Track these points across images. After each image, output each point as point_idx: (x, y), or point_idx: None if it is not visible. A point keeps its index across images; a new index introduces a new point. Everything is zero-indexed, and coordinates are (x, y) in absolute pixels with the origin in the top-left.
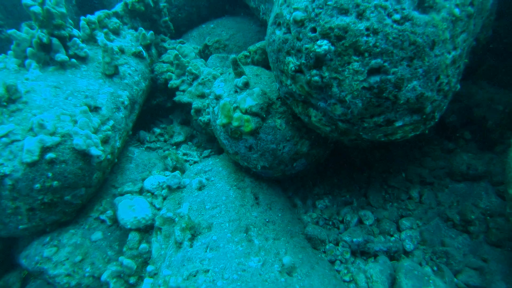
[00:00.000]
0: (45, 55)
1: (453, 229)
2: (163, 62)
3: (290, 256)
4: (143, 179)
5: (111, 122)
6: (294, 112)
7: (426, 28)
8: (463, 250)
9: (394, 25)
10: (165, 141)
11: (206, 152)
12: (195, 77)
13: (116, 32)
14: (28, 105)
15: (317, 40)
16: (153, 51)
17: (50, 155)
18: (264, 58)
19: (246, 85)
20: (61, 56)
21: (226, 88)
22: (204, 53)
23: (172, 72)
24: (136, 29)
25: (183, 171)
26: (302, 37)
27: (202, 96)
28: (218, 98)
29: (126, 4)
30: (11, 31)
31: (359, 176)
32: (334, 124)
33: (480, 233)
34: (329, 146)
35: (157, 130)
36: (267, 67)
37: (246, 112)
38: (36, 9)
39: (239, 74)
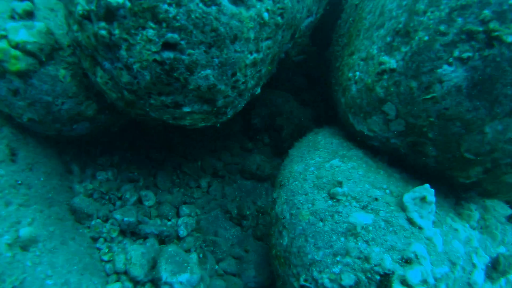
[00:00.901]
0: None
1: (229, 221)
2: None
3: (35, 228)
4: None
5: None
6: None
7: (232, 20)
8: (231, 241)
9: (200, 5)
10: None
11: None
12: None
13: None
14: None
15: None
16: None
17: None
18: None
19: (29, 14)
20: None
21: None
22: None
23: None
24: None
25: None
26: None
27: None
28: None
29: None
30: None
31: (155, 156)
32: (120, 92)
33: (250, 227)
34: (124, 116)
35: None
36: None
37: (17, 47)
38: None
39: None
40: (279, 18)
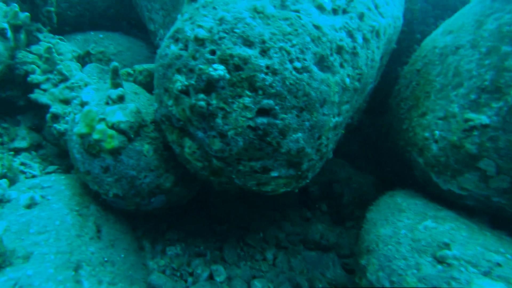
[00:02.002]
0: None
1: None
2: (31, 52)
3: None
4: None
5: None
6: (166, 141)
7: (321, 85)
8: None
9: (293, 72)
10: (2, 143)
11: (51, 168)
12: (64, 79)
13: None
14: None
15: (214, 63)
16: (22, 36)
17: None
18: (148, 81)
19: (120, 99)
20: None
21: (97, 97)
22: (83, 60)
23: (38, 66)
24: (7, 4)
25: (13, 183)
26: (199, 56)
27: (66, 102)
28: (83, 105)
29: None
30: None
31: (217, 228)
32: (208, 161)
33: None
34: (195, 189)
35: None
36: (149, 92)
37: (112, 127)
38: None
39: (116, 85)
40: (357, 83)
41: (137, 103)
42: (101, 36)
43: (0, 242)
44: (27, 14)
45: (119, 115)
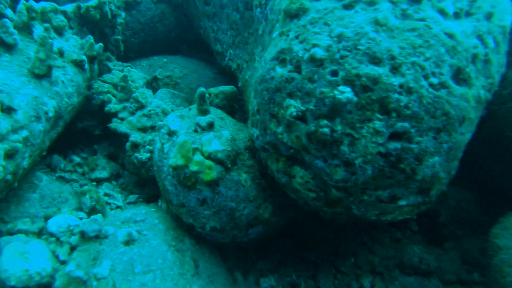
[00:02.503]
0: None
1: None
2: (105, 81)
3: None
4: (47, 218)
5: (25, 133)
6: (263, 169)
7: (460, 101)
8: None
9: (430, 89)
10: (83, 174)
11: (132, 198)
12: (141, 106)
13: (59, 32)
14: None
15: (338, 85)
16: (96, 66)
17: None
18: (225, 104)
19: (211, 126)
20: None
21: (184, 125)
22: (151, 86)
23: (114, 95)
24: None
25: (103, 216)
26: (318, 78)
27: (144, 130)
28: (172, 134)
29: (78, 7)
30: None
31: (307, 255)
32: (324, 191)
33: None
34: (288, 216)
35: (76, 159)
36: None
37: (209, 157)
38: None
39: (204, 112)
40: (488, 94)
41: (226, 129)
42: (165, 60)
43: (113, 286)
44: (100, 44)
45: (216, 144)
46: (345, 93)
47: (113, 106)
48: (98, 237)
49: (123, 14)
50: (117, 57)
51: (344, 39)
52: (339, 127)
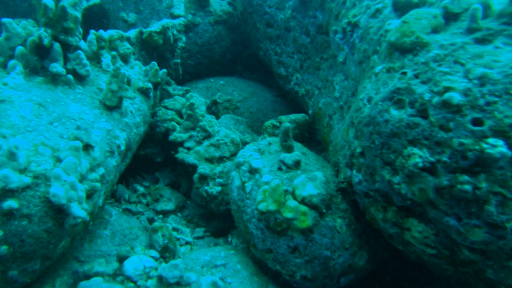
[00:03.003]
0: (37, 60)
1: None
2: (167, 108)
3: None
4: (120, 258)
5: (102, 170)
6: (357, 213)
7: None
8: None
9: None
10: (147, 204)
11: (199, 231)
12: (208, 135)
13: (125, 59)
14: None
15: (486, 137)
16: (158, 92)
17: (9, 204)
18: (296, 133)
19: (297, 164)
20: (58, 67)
21: (267, 162)
22: (211, 110)
23: (178, 123)
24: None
25: (174, 254)
26: (455, 127)
27: (212, 160)
28: (253, 171)
29: (141, 33)
30: (6, 20)
31: None
32: (450, 250)
33: None
34: (379, 260)
35: (140, 189)
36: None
37: (303, 202)
38: (49, 3)
39: (288, 148)
40: None
41: (316, 167)
42: (221, 82)
43: None
44: (164, 70)
45: (310, 187)
46: (498, 147)
47: (179, 135)
48: (179, 284)
49: (184, 38)
50: (175, 80)
51: (489, 81)
52: (484, 184)
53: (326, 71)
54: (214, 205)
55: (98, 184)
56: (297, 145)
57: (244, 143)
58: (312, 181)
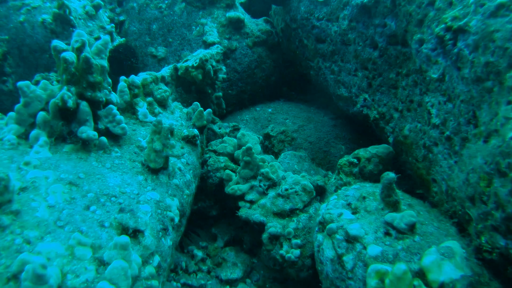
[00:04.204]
0: (63, 125)
1: None
2: (217, 152)
3: None
4: None
5: (157, 260)
6: None
7: None
8: None
9: None
10: (208, 271)
11: None
12: (273, 184)
13: (163, 104)
14: (20, 219)
15: None
16: (204, 136)
17: None
18: (380, 170)
19: (412, 228)
20: (88, 131)
21: (367, 225)
22: (264, 145)
23: (233, 170)
24: (183, 104)
25: None
26: None
27: (282, 215)
28: (353, 240)
29: (175, 69)
30: (22, 83)
31: None
32: None
33: None
34: None
35: (198, 254)
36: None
37: None
38: (69, 56)
39: (394, 205)
40: None
41: (451, 234)
42: (269, 110)
43: None
44: (209, 110)
45: (449, 268)
46: None
47: (237, 187)
48: None
49: (224, 68)
50: (219, 115)
51: None
52: None
53: (408, 90)
54: (293, 271)
55: (155, 283)
56: (398, 195)
57: (317, 188)
58: (448, 259)
